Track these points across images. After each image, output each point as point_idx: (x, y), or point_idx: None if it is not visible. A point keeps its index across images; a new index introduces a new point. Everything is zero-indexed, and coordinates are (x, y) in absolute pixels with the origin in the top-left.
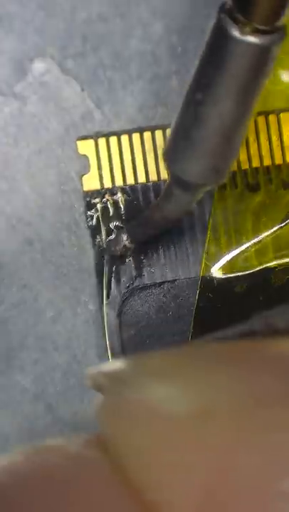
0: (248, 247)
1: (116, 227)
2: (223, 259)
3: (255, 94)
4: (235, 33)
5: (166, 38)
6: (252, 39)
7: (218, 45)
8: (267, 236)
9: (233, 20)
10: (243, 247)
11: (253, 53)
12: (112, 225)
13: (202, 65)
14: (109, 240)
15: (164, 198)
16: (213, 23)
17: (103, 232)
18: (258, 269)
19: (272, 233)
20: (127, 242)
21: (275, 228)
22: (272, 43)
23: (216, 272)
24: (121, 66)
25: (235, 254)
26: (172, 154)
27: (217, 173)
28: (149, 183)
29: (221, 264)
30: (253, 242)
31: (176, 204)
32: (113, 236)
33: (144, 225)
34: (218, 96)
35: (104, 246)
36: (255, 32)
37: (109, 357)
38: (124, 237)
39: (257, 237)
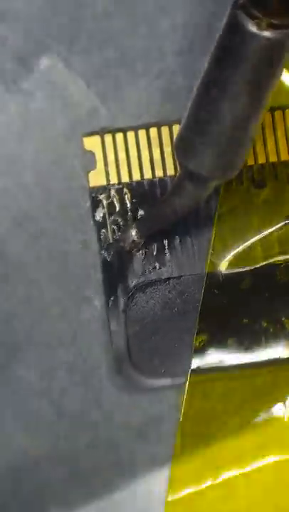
0: (253, 243)
1: (123, 223)
2: (231, 253)
3: (270, 88)
4: (252, 28)
5: (172, 34)
6: (268, 34)
7: (234, 41)
8: (272, 232)
9: (249, 16)
10: (249, 242)
11: (269, 48)
12: (118, 221)
13: (216, 60)
14: (118, 236)
15: (174, 192)
16: (226, 19)
17: (109, 228)
18: (263, 264)
19: (277, 229)
20: (135, 237)
21: (280, 224)
22: (287, 37)
23: (226, 267)
24: (126, 63)
25: (241, 249)
26: (185, 149)
27: (231, 167)
28: (155, 179)
29: (230, 259)
30: (258, 237)
31: (187, 198)
32: (121, 231)
33: (153, 219)
34: (234, 91)
35: (111, 241)
36: (271, 27)
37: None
38: (133, 232)
39: (262, 232)
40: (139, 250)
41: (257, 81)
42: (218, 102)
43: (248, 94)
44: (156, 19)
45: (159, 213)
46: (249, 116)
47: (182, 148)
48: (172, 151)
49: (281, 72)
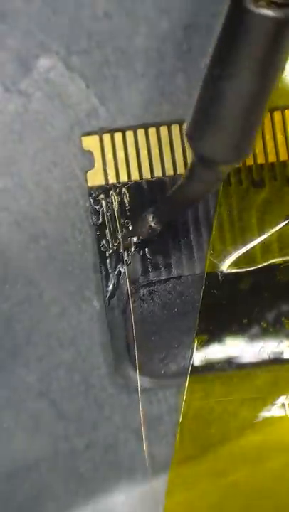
0: (254, 244)
1: (121, 222)
2: (232, 255)
3: (274, 69)
4: (250, 6)
5: (172, 34)
6: (268, 12)
7: (234, 18)
8: (272, 233)
9: None
10: (251, 245)
11: (268, 27)
12: (116, 221)
13: (219, 40)
14: (136, 222)
15: (188, 179)
16: None
17: (108, 228)
18: (262, 265)
19: (277, 229)
20: (152, 224)
21: (281, 225)
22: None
23: (226, 268)
24: (126, 63)
25: (244, 251)
26: (194, 132)
27: (239, 150)
28: (154, 179)
29: (231, 261)
30: (259, 240)
31: (201, 183)
32: (139, 219)
33: (168, 206)
34: (235, 72)
35: (110, 240)
36: (271, 5)
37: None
38: (150, 218)
39: (262, 234)
40: (157, 237)
41: (257, 61)
42: (220, 82)
43: (249, 76)
44: (156, 20)
45: (173, 200)
46: (252, 97)
47: (192, 134)
48: (171, 150)
49: (286, 51)
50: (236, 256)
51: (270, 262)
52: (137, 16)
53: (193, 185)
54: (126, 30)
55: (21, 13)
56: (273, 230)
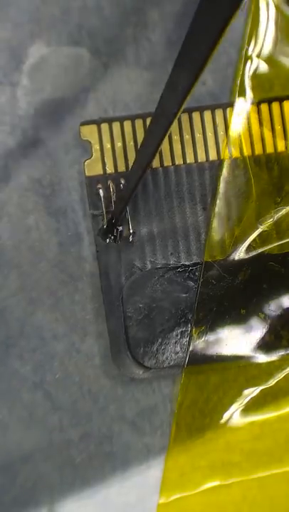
0: (250, 234)
1: (120, 210)
2: (230, 246)
3: None
4: None
5: (162, 25)
6: None
7: None
8: (270, 223)
9: None
10: (249, 236)
11: None
12: (113, 210)
13: None
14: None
15: None
16: None
17: (105, 218)
18: (260, 256)
19: (274, 220)
20: None
21: (278, 215)
22: None
23: (224, 258)
24: (117, 53)
25: (242, 242)
26: None
27: None
28: (151, 169)
29: (229, 251)
30: (257, 232)
31: None
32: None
33: None
34: None
35: (106, 231)
36: None
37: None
38: None
39: (260, 224)
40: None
41: None
42: None
43: None
44: (146, 10)
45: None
46: None
47: None
48: (169, 141)
49: None
50: (234, 246)
51: (268, 252)
52: (127, 6)
53: None
54: (116, 20)
55: (12, 5)
56: (271, 221)
